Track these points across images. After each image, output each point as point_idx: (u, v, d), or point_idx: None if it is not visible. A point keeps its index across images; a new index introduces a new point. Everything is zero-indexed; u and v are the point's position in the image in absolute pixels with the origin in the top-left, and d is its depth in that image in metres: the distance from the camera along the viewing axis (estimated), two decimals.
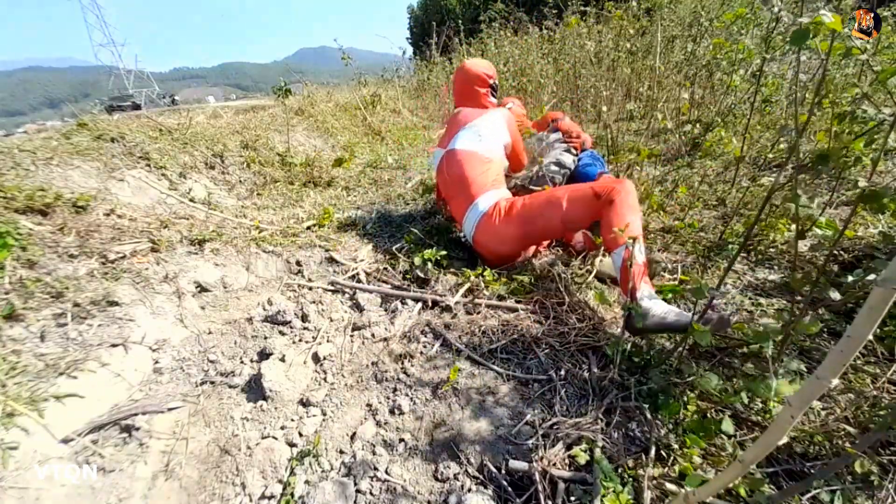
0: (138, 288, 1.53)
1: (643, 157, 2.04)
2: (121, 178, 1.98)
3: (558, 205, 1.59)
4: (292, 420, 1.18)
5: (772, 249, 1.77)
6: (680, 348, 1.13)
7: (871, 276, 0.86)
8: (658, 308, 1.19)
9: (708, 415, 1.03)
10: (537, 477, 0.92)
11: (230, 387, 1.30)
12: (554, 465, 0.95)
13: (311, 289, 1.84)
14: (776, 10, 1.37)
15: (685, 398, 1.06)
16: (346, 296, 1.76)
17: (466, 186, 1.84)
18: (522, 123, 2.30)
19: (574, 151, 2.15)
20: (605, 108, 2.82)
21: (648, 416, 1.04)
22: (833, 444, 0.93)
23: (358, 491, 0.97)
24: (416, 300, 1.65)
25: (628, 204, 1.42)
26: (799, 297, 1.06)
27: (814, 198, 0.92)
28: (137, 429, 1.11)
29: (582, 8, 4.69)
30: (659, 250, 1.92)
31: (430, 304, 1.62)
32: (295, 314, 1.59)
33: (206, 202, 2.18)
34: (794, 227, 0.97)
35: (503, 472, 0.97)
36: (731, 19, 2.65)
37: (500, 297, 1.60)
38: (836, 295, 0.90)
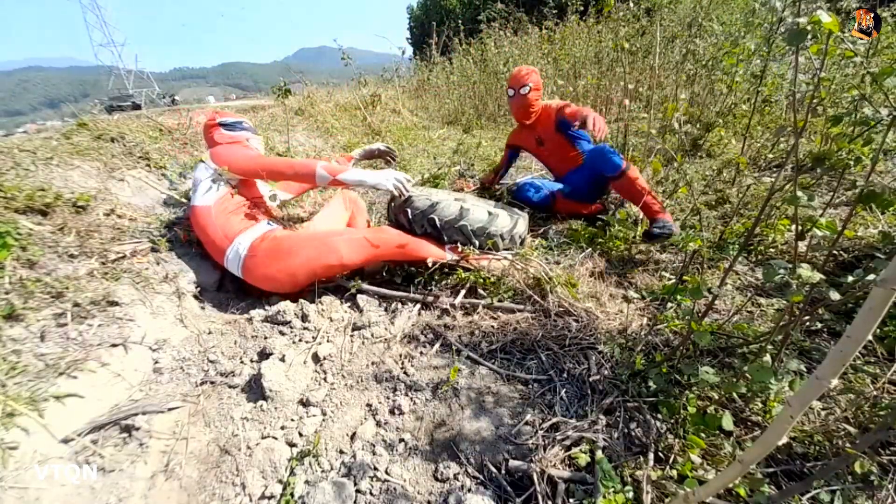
0: (138, 288, 1.53)
1: (657, 168, 2.03)
2: (121, 178, 1.98)
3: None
4: (292, 420, 1.18)
5: (772, 249, 1.77)
6: (680, 348, 1.13)
7: (871, 276, 0.86)
8: None
9: (708, 412, 1.03)
10: (536, 477, 0.92)
11: (230, 387, 1.30)
12: (553, 465, 0.95)
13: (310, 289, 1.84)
14: (779, 9, 1.36)
15: (685, 398, 1.06)
16: (346, 296, 1.76)
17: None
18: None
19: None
20: (627, 102, 2.77)
21: (648, 416, 1.04)
22: (833, 444, 0.93)
23: (358, 491, 0.97)
24: (416, 301, 1.65)
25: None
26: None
27: (813, 197, 0.92)
28: (137, 429, 1.11)
29: (581, 7, 4.69)
30: (657, 251, 1.93)
31: (429, 304, 1.62)
32: (295, 314, 1.59)
33: None
34: (794, 227, 0.97)
35: (503, 472, 0.97)
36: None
37: (499, 299, 1.60)
38: (836, 295, 0.90)
